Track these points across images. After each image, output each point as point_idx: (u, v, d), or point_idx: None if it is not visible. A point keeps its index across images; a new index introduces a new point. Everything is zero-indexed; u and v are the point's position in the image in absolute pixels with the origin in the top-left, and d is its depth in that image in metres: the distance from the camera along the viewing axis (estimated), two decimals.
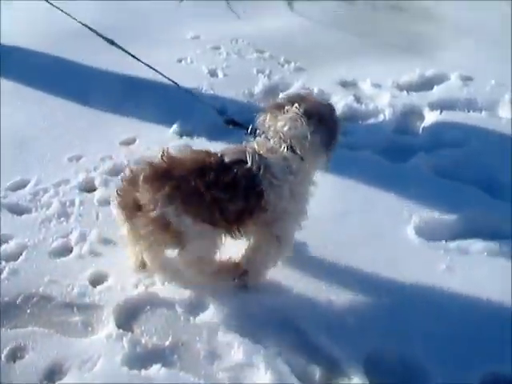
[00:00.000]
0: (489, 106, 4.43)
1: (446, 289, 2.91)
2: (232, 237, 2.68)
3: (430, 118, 4.23)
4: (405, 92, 4.60)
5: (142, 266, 2.93)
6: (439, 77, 4.82)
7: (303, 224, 2.71)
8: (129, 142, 4.01)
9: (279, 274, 2.89)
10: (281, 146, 2.58)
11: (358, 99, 4.49)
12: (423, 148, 3.84)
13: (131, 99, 4.43)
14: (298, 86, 4.67)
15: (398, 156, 3.77)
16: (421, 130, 4.14)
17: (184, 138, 4.06)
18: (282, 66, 5.06)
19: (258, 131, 2.72)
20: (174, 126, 4.13)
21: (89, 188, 3.60)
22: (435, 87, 4.67)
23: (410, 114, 4.34)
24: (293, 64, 5.06)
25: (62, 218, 3.33)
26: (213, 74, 4.89)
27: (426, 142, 3.93)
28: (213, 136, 4.01)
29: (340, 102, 4.37)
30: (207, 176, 2.49)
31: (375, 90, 4.63)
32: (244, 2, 6.41)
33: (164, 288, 2.88)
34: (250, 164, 2.53)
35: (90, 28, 3.40)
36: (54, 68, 4.87)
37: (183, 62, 5.06)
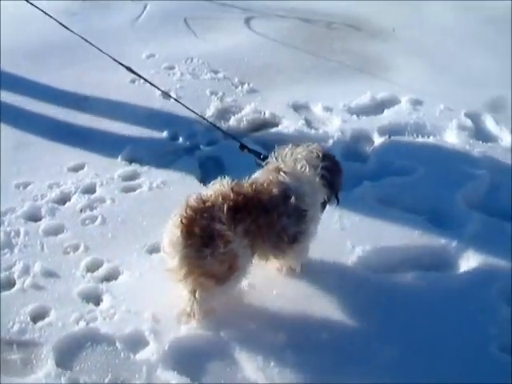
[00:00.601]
0: (436, 131, 4.49)
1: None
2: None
3: (379, 143, 4.28)
4: (355, 116, 4.62)
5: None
6: (390, 100, 4.89)
7: None
8: (77, 169, 4.00)
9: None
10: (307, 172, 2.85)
11: (308, 123, 4.54)
12: (370, 176, 3.90)
13: (81, 124, 4.41)
14: (250, 110, 4.67)
15: (344, 184, 3.78)
16: (369, 156, 4.16)
17: (133, 164, 4.04)
18: (236, 87, 5.08)
19: (269, 158, 2.98)
20: (123, 153, 4.10)
21: (35, 217, 3.58)
22: (385, 111, 4.74)
23: (359, 140, 4.39)
24: (246, 85, 5.09)
25: (6, 250, 3.32)
26: (166, 96, 4.88)
27: (372, 170, 3.99)
28: (161, 163, 4.02)
29: (290, 127, 4.42)
30: (276, 207, 2.70)
31: (326, 113, 4.69)
32: (202, 20, 6.41)
33: (105, 323, 2.88)
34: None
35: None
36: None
37: (136, 82, 5.05)
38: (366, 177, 3.92)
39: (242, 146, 3.35)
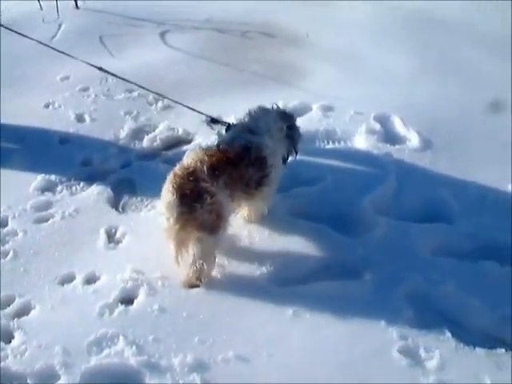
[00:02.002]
0: (346, 136, 4.60)
1: (292, 334, 3.01)
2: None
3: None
4: None
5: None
6: (302, 108, 4.96)
7: None
8: None
9: None
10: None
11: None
12: (279, 188, 3.94)
13: None
14: (163, 127, 4.70)
15: None
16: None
17: (46, 193, 4.04)
18: (150, 104, 5.11)
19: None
20: (36, 182, 4.09)
21: None
22: (297, 119, 4.78)
23: None
24: (160, 102, 5.11)
25: None
26: (80, 118, 4.91)
27: (283, 181, 4.03)
28: (74, 190, 4.10)
29: (203, 143, 4.42)
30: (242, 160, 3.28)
31: None
32: (117, 37, 6.41)
33: (16, 360, 2.89)
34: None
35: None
36: None
37: (50, 106, 5.07)
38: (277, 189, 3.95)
39: (212, 120, 4.07)
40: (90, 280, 3.32)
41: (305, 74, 5.60)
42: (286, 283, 3.31)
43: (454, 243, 3.71)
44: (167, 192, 3.06)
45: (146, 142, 4.55)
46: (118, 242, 3.61)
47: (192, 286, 3.24)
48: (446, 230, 3.80)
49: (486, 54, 6.21)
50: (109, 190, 4.06)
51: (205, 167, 3.09)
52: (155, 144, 4.54)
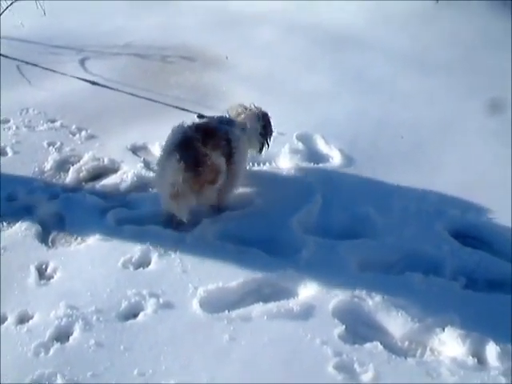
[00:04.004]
0: (271, 157, 4.70)
1: (230, 358, 3.06)
2: None
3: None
4: None
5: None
6: None
7: None
8: None
9: None
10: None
11: (147, 165, 4.59)
12: (208, 213, 4.01)
13: None
14: (89, 158, 4.68)
15: (183, 226, 3.92)
16: None
17: None
18: (74, 135, 5.07)
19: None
20: None
21: None
22: None
23: None
24: (84, 132, 5.08)
25: None
26: (2, 152, 4.81)
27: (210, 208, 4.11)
28: (1, 225, 4.01)
29: (129, 172, 4.46)
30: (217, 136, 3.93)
31: None
32: (36, 65, 6.32)
33: None
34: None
35: None
36: None
37: None
38: (204, 215, 4.01)
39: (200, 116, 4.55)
40: (23, 319, 3.26)
41: (225, 97, 5.66)
42: (219, 308, 3.36)
43: (379, 257, 3.86)
44: (171, 163, 3.60)
45: (71, 174, 4.50)
46: (50, 277, 3.57)
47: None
48: (371, 244, 3.94)
49: (399, 69, 6.44)
50: (36, 224, 3.99)
51: (199, 136, 3.69)
52: (81, 175, 4.50)
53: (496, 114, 5.76)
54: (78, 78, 5.61)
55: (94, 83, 5.47)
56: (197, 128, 3.83)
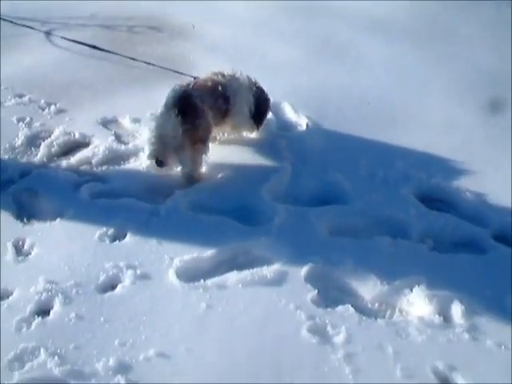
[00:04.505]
0: None
1: (207, 327, 3.17)
2: None
3: None
4: None
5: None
6: None
7: None
8: None
9: None
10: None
11: (118, 139, 4.62)
12: (180, 185, 4.08)
13: None
14: (59, 132, 4.69)
15: (155, 198, 3.99)
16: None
17: None
18: (43, 109, 5.05)
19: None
20: None
21: None
22: None
23: None
24: (53, 106, 5.06)
25: None
26: None
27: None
28: None
29: (101, 146, 4.49)
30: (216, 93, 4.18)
31: (135, 125, 4.79)
32: (1, 39, 6.25)
33: None
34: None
35: None
36: None
37: None
38: (177, 186, 4.08)
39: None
40: (3, 296, 3.31)
41: (193, 65, 5.68)
42: (195, 278, 3.45)
43: (349, 222, 3.97)
44: (170, 114, 3.85)
45: (42, 149, 4.50)
46: (27, 253, 3.61)
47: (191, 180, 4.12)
48: (341, 210, 4.05)
49: (366, 35, 6.52)
50: (10, 201, 4.01)
51: (198, 93, 3.96)
52: (53, 150, 4.51)
53: (461, 78, 5.87)
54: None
55: (94, 47, 5.71)
56: (195, 86, 4.08)
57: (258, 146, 4.57)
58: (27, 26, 5.87)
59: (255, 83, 4.47)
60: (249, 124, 4.51)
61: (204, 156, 4.11)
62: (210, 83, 4.19)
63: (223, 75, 4.32)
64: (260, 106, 4.47)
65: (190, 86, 4.06)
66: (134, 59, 5.28)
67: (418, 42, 6.61)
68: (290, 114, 5.01)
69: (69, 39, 5.87)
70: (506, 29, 6.85)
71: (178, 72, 5.23)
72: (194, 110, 3.93)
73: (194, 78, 4.50)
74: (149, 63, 5.49)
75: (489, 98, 5.53)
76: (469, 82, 5.87)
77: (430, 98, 5.58)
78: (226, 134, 4.64)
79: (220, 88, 4.18)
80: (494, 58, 6.33)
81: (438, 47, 6.54)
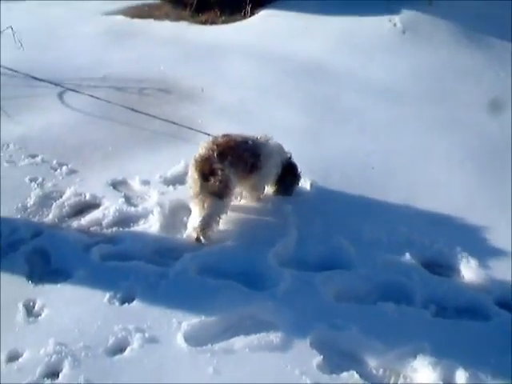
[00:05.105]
0: None
1: None
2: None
3: (196, 213, 4.56)
4: (171, 187, 4.89)
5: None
6: None
7: None
8: None
9: None
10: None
11: (128, 200, 4.72)
12: (189, 248, 4.17)
13: None
14: (70, 193, 4.79)
15: (165, 261, 4.07)
16: (187, 227, 4.44)
17: None
18: (55, 170, 5.16)
19: None
20: None
21: None
22: None
23: (178, 211, 4.63)
24: (65, 167, 5.17)
25: None
26: None
27: (191, 242, 4.26)
28: None
29: (111, 207, 4.59)
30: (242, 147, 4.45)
31: (144, 187, 4.89)
32: (14, 99, 6.43)
33: None
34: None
35: None
36: None
37: None
38: (184, 249, 4.16)
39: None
40: (13, 357, 3.35)
41: (201, 129, 5.80)
42: (203, 342, 3.51)
43: (353, 288, 4.04)
44: (193, 172, 4.27)
45: (54, 210, 4.59)
46: (38, 315, 3.66)
47: (196, 239, 4.30)
48: (345, 275, 4.12)
49: (369, 100, 6.69)
50: (22, 261, 4.09)
51: (215, 153, 4.25)
52: (64, 211, 4.60)
53: (463, 143, 6.00)
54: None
55: (132, 109, 6.06)
56: (214, 143, 4.38)
57: (264, 211, 4.67)
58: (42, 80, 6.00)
59: (287, 153, 4.83)
60: (266, 186, 4.80)
61: (220, 213, 4.36)
62: (238, 138, 4.51)
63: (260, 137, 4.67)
64: (288, 174, 4.83)
65: (212, 143, 4.39)
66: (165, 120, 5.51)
67: (421, 107, 6.77)
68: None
69: (96, 97, 5.99)
70: (506, 95, 6.99)
71: (197, 130, 5.56)
72: (209, 170, 4.27)
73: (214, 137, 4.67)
74: (174, 123, 5.77)
75: (489, 165, 5.64)
76: (470, 147, 5.98)
77: (432, 164, 5.68)
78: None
79: (250, 142, 4.51)
80: (494, 124, 6.44)
81: (440, 113, 6.69)
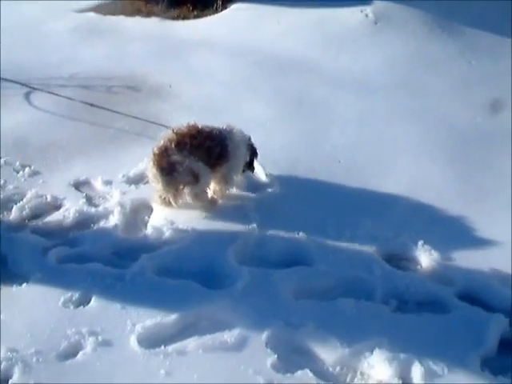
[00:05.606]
0: None
1: None
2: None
3: (157, 213, 4.54)
4: (133, 186, 4.85)
5: (168, 204, 4.48)
6: None
7: None
8: None
9: None
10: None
11: (89, 201, 4.69)
12: (146, 248, 4.13)
13: None
14: (31, 195, 4.74)
15: (124, 262, 4.04)
16: (147, 227, 4.41)
17: None
18: (18, 172, 5.10)
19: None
20: None
21: None
22: None
23: (139, 210, 4.60)
24: (28, 169, 5.12)
25: None
26: None
27: (148, 241, 4.23)
28: None
29: (71, 209, 4.55)
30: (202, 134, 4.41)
31: (106, 187, 4.85)
32: None
33: None
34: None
35: None
36: None
37: None
38: (143, 249, 4.13)
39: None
40: None
41: (169, 126, 5.72)
42: (156, 344, 3.47)
43: (313, 284, 4.02)
44: (151, 167, 4.30)
45: (14, 212, 4.55)
46: None
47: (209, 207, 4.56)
48: (305, 271, 4.10)
49: (339, 93, 6.66)
50: None
51: (172, 144, 4.25)
52: (24, 213, 4.56)
53: (433, 134, 5.98)
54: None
55: (92, 105, 5.98)
56: (174, 133, 4.40)
57: (225, 208, 4.65)
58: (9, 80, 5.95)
59: (246, 135, 4.76)
60: (237, 176, 4.74)
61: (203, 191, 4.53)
62: (201, 127, 4.50)
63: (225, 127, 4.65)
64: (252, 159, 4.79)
65: (172, 134, 4.39)
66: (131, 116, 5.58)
67: (392, 98, 6.73)
68: (259, 173, 5.06)
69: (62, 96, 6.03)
70: (477, 85, 6.97)
71: (160, 125, 5.54)
72: (168, 164, 4.29)
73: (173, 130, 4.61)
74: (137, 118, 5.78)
75: (459, 155, 5.62)
76: (441, 139, 5.96)
77: (401, 156, 5.66)
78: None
79: (216, 132, 4.53)
80: (464, 114, 6.41)
81: (411, 103, 6.66)
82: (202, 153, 4.34)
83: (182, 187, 4.42)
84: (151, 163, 4.31)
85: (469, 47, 7.86)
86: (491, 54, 7.68)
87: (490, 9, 8.41)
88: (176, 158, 4.24)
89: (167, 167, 4.26)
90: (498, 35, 8.03)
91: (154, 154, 4.30)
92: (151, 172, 4.35)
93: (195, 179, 4.34)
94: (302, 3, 8.63)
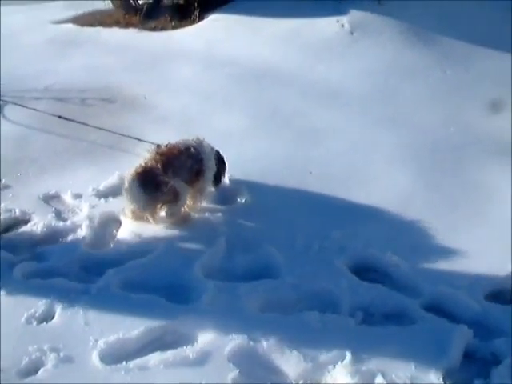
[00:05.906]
0: None
1: None
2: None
3: (125, 226, 4.53)
4: (103, 199, 4.85)
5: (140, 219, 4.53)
6: None
7: None
8: None
9: None
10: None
11: (58, 215, 4.67)
12: (113, 263, 4.13)
13: None
14: (1, 209, 4.72)
15: (89, 277, 4.03)
16: (115, 241, 4.41)
17: None
18: None
19: None
20: None
21: None
22: None
23: (108, 224, 4.60)
24: None
25: None
26: None
27: (115, 255, 4.22)
28: None
29: (40, 223, 4.54)
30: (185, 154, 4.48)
31: (76, 201, 4.84)
32: None
33: None
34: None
35: None
36: None
37: None
38: (110, 263, 4.12)
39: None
40: None
41: (142, 139, 5.72)
42: (118, 360, 3.45)
43: (279, 297, 4.00)
44: (131, 186, 4.26)
45: None
46: None
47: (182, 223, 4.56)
48: (271, 284, 4.09)
49: (313, 104, 6.68)
50: None
51: (158, 164, 4.28)
52: None
53: (406, 143, 6.00)
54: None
55: (59, 117, 5.94)
56: (157, 157, 4.39)
57: (194, 221, 4.64)
58: None
59: (213, 148, 4.77)
60: (210, 188, 4.80)
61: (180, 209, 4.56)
62: (180, 146, 4.52)
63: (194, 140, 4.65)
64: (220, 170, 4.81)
65: (155, 154, 4.42)
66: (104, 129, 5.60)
67: (366, 108, 6.76)
68: (229, 186, 5.07)
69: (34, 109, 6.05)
70: (452, 94, 7.02)
71: (131, 137, 5.56)
72: (153, 184, 4.31)
73: (158, 146, 4.69)
74: (110, 131, 5.73)
75: (430, 165, 5.65)
76: (413, 148, 5.97)
77: (374, 166, 5.66)
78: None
79: (193, 150, 4.52)
80: (438, 123, 6.45)
81: (385, 113, 6.68)
82: (184, 172, 4.40)
83: (160, 206, 4.43)
84: (133, 182, 4.26)
85: (444, 56, 7.90)
86: (465, 62, 7.71)
87: (464, 18, 8.43)
88: (162, 178, 4.26)
89: (152, 187, 4.27)
90: (473, 44, 8.06)
91: (138, 173, 4.26)
92: (131, 191, 4.29)
93: (175, 198, 4.36)
94: (278, 14, 8.67)
